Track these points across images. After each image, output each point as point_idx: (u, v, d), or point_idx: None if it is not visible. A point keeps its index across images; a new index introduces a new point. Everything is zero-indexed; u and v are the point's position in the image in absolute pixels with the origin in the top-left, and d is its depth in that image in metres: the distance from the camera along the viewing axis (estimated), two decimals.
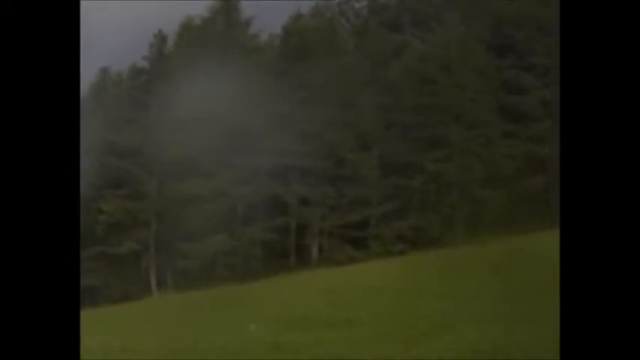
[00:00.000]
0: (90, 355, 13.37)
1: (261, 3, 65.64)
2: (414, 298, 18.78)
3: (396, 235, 42.51)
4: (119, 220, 47.73)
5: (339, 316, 15.52)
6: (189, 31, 55.06)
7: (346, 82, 45.39)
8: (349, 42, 51.63)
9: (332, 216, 42.89)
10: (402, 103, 45.30)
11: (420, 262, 37.06)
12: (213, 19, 52.87)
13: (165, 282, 47.44)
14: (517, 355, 8.81)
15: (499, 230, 40.21)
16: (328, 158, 43.63)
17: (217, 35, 50.95)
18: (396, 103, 45.27)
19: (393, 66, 47.43)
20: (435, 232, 42.99)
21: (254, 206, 43.87)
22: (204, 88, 47.61)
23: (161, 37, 52.28)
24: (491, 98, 44.76)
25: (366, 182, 43.45)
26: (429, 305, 16.67)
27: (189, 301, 26.37)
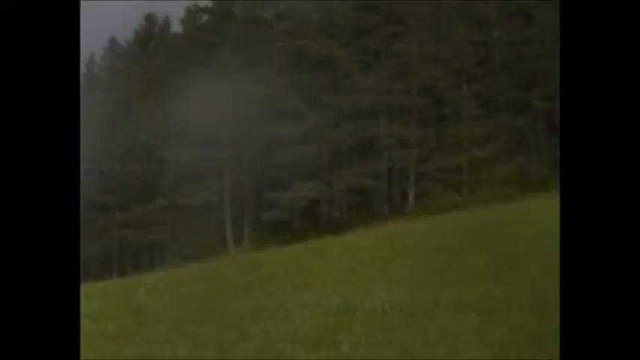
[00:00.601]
0: None
1: None
2: None
3: (501, 178, 39.08)
4: (189, 168, 44.06)
5: None
6: None
7: (438, 15, 41.78)
8: None
9: (432, 158, 39.36)
10: (498, 37, 41.79)
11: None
12: None
13: (242, 236, 43.99)
14: None
15: None
16: (426, 96, 40.08)
17: None
18: (492, 38, 41.77)
19: None
20: (540, 175, 39.64)
21: (346, 149, 40.32)
22: (279, 24, 43.91)
23: None
24: None
25: (467, 122, 39.97)
26: None
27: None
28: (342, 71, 39.97)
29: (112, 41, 56.84)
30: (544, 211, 20.06)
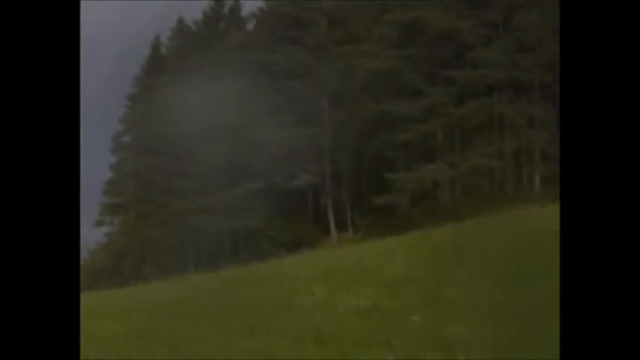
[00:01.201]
0: None
1: None
2: None
3: None
4: (285, 150, 41.00)
5: None
6: None
7: None
8: None
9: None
10: None
11: None
12: None
13: (345, 222, 41.01)
14: None
15: None
16: (551, 71, 37.25)
17: None
18: None
19: None
20: None
21: (470, 128, 37.44)
22: None
23: None
24: None
25: None
26: None
27: None
28: (462, 45, 37.11)
29: (180, 22, 53.73)
30: None
